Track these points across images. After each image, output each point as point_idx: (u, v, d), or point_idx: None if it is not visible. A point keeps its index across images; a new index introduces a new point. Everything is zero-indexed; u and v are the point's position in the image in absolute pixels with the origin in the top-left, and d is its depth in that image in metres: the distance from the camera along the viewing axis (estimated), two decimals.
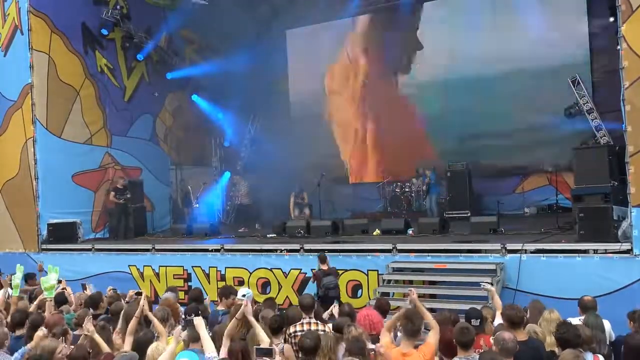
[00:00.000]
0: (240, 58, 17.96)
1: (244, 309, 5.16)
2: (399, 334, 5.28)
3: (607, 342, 5.46)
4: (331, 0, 17.12)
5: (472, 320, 5.40)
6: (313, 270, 9.36)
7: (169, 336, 5.41)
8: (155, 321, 5.57)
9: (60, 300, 7.35)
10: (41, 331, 5.43)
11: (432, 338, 4.93)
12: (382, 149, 18.07)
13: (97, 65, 15.33)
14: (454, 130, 16.11)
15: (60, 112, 14.30)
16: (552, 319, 5.47)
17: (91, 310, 6.89)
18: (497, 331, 4.96)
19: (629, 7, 8.19)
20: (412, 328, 4.85)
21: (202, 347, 4.85)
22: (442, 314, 5.97)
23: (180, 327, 5.22)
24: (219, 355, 4.90)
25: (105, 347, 5.30)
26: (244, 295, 6.92)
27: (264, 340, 5.01)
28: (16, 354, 5.31)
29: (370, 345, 4.82)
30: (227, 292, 7.07)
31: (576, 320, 5.40)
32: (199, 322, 4.75)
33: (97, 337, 5.30)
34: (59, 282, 7.56)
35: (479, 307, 6.41)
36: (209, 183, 18.02)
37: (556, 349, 4.86)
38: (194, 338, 4.94)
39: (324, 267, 8.96)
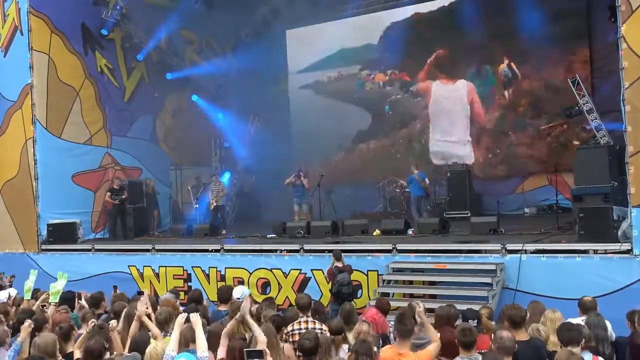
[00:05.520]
0: (240, 58, 18.00)
1: (243, 306, 5.15)
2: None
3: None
4: (331, 0, 17.13)
5: (469, 321, 5.42)
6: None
7: (165, 336, 5.42)
8: (150, 323, 5.59)
9: (65, 299, 7.36)
10: (27, 322, 5.47)
11: (433, 347, 5.02)
12: None
13: (97, 66, 15.32)
14: None
15: (60, 113, 14.28)
16: (556, 318, 5.48)
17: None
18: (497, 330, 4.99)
19: (629, 7, 8.18)
20: (405, 329, 4.96)
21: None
22: (443, 308, 5.96)
23: (182, 315, 5.18)
24: (216, 355, 4.90)
25: (119, 346, 5.30)
26: (238, 298, 6.95)
27: (261, 340, 4.99)
28: (10, 351, 5.32)
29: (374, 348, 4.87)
30: (225, 297, 7.05)
31: (578, 321, 5.41)
32: (195, 319, 4.74)
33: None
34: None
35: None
36: (208, 183, 17.98)
37: (558, 349, 4.87)
38: (194, 338, 4.94)
39: (339, 264, 8.90)
